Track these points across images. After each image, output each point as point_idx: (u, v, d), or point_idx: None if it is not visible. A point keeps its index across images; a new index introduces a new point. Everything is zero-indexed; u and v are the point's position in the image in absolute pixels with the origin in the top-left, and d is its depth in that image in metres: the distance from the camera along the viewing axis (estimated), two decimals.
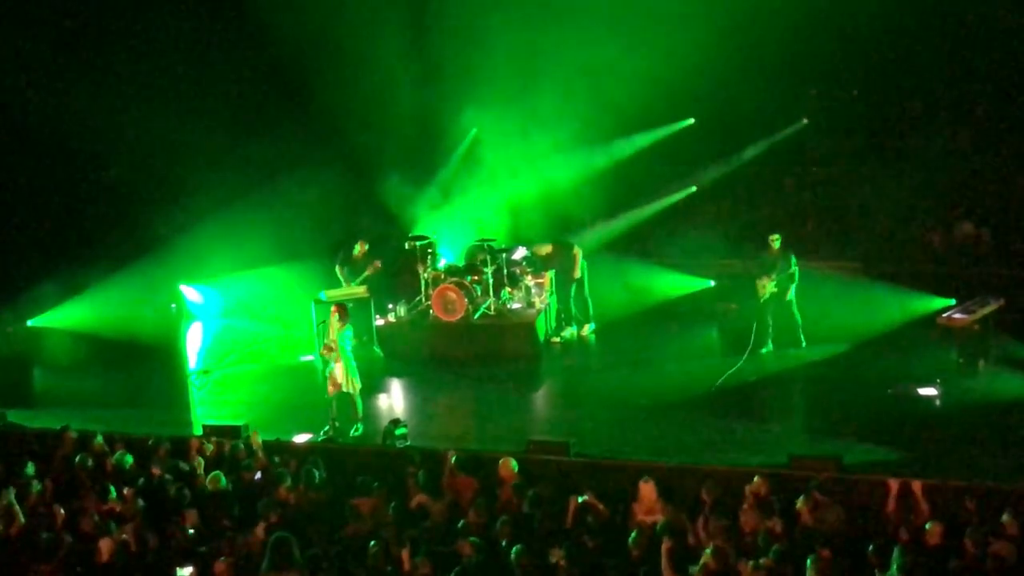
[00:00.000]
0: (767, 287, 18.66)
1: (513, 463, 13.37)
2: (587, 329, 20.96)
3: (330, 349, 16.15)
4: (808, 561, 9.99)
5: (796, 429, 15.35)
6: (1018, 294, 18.85)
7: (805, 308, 18.88)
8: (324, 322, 17.30)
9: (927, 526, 10.89)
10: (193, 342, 23.03)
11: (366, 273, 20.65)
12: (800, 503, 11.61)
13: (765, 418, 15.89)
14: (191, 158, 23.21)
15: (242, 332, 22.71)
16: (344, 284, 20.71)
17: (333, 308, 16.49)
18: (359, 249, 20.94)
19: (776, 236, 19.01)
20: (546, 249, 21.16)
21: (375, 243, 21.60)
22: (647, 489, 12.32)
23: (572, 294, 20.82)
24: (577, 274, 20.68)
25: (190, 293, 24.11)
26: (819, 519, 11.41)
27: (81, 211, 25.04)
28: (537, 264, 21.17)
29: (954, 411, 15.71)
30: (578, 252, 20.75)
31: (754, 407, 16.43)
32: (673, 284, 22.60)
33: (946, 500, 11.85)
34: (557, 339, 20.63)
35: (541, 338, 20.18)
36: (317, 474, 13.52)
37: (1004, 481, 12.71)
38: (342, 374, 16.07)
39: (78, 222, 24.80)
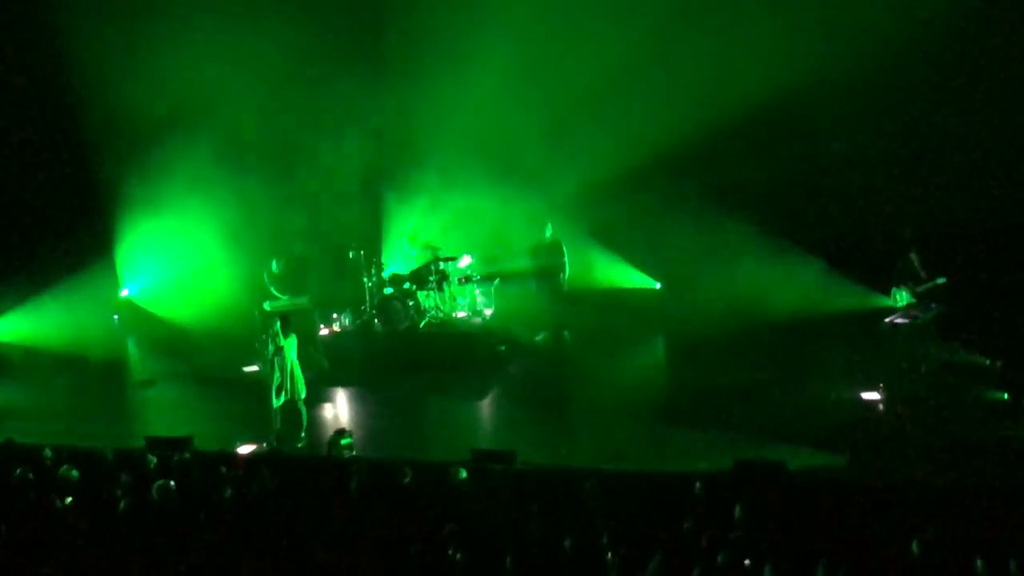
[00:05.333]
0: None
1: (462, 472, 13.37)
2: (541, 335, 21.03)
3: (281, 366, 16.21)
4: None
5: (741, 434, 15.41)
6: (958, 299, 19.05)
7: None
8: (267, 333, 17.23)
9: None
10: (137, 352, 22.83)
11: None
12: (738, 511, 11.65)
13: (710, 424, 15.95)
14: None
15: (186, 342, 22.54)
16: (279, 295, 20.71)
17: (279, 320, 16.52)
18: (277, 267, 20.94)
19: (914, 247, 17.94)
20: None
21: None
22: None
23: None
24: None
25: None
26: (759, 526, 11.46)
27: (22, 221, 24.61)
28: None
29: (897, 415, 15.87)
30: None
31: (699, 413, 16.49)
32: (622, 276, 22.67)
33: (889, 503, 11.96)
34: (502, 347, 20.59)
35: (486, 346, 20.19)
36: (269, 483, 13.47)
37: (947, 483, 12.88)
38: (291, 382, 16.10)
39: (19, 232, 24.37)
